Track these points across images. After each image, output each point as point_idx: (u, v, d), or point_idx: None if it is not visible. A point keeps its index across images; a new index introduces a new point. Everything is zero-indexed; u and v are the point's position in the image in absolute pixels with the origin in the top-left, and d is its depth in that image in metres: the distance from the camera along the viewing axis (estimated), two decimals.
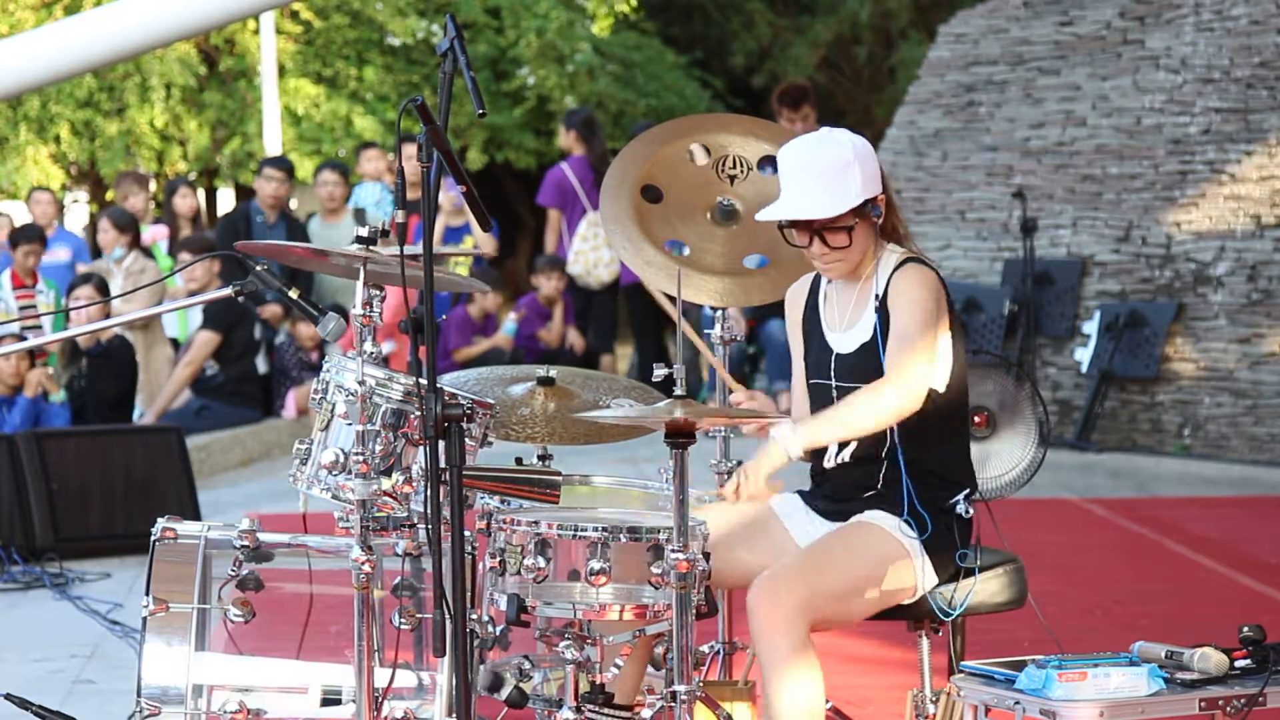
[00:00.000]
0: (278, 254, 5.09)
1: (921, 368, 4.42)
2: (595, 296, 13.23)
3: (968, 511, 4.57)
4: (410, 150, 13.37)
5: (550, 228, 13.42)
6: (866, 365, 4.55)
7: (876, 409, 4.41)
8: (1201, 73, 12.26)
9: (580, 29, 20.11)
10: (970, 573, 4.55)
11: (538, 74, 19.81)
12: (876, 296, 4.54)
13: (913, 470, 4.51)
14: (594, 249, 12.95)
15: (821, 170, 4.50)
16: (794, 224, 4.56)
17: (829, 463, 4.62)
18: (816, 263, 4.60)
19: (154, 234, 13.15)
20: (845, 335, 4.62)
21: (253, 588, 4.74)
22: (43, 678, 6.43)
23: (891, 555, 4.49)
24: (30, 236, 12.36)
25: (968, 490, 4.59)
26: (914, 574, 4.50)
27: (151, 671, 4.72)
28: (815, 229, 4.52)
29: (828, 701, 5.40)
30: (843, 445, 4.58)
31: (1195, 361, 11.81)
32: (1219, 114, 12.10)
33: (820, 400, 4.64)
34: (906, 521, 4.50)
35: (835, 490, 4.64)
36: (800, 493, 4.74)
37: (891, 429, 4.50)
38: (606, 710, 4.39)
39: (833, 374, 4.62)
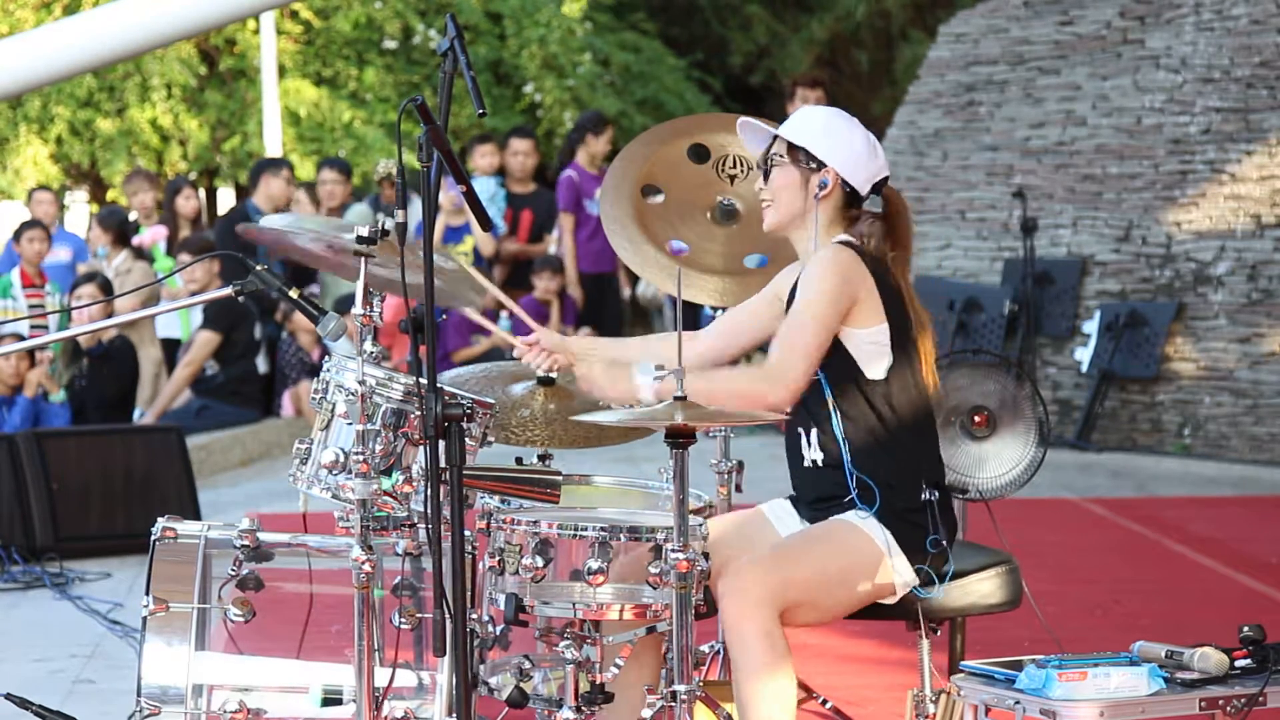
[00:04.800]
0: (279, 244, 5.06)
1: (801, 371, 4.44)
2: (597, 294, 13.34)
3: (933, 494, 4.54)
4: (521, 145, 13.29)
5: (564, 230, 13.53)
6: None
7: (750, 398, 4.44)
8: (1201, 72, 12.27)
9: (581, 38, 20.11)
10: (944, 558, 4.53)
11: (541, 87, 19.82)
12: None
13: (865, 464, 4.50)
14: None
15: (802, 117, 4.67)
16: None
17: (808, 457, 4.61)
18: None
19: (153, 235, 13.16)
20: None
21: (253, 587, 4.74)
22: (43, 678, 6.43)
23: (859, 545, 4.48)
24: (33, 227, 12.41)
25: (933, 482, 4.56)
26: (886, 565, 4.48)
27: (151, 671, 4.72)
28: (768, 162, 4.65)
29: (827, 702, 5.41)
30: (812, 444, 4.58)
31: (1195, 361, 11.81)
32: (1219, 114, 12.10)
33: None
34: (862, 504, 4.50)
35: (815, 498, 4.64)
36: (790, 498, 4.74)
37: (842, 430, 4.52)
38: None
39: None
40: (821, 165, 4.59)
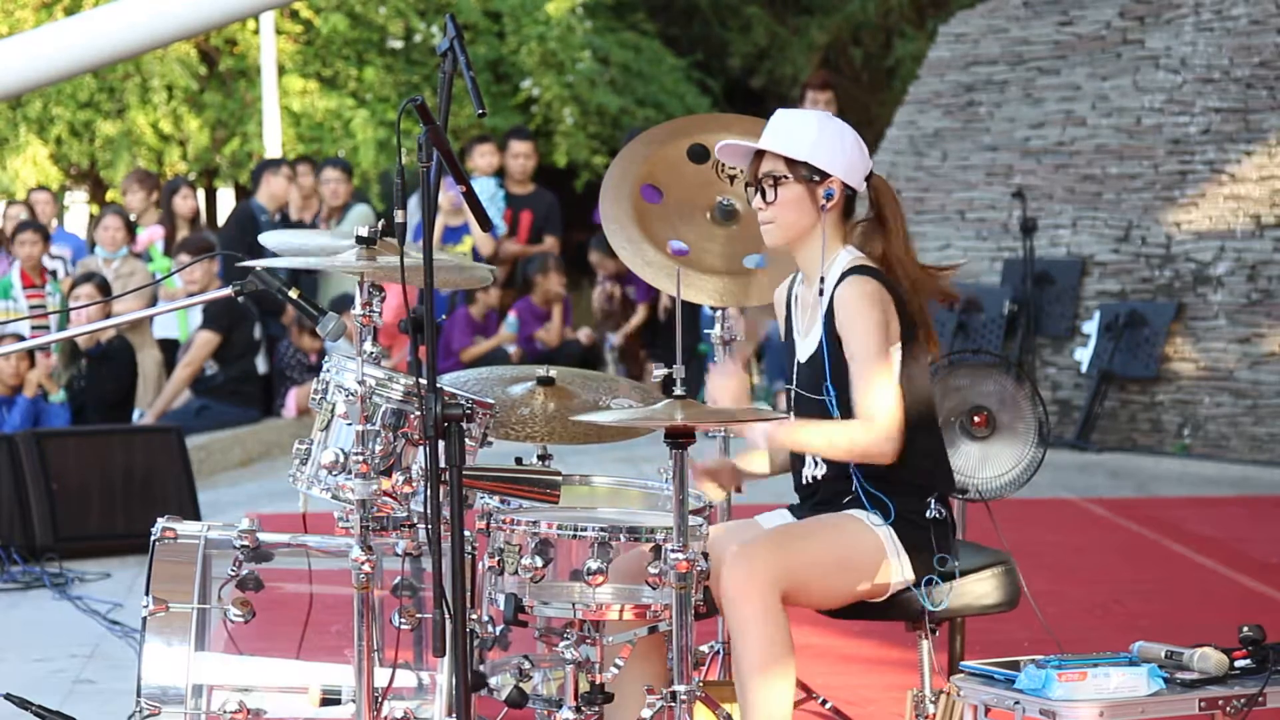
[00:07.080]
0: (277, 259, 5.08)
1: (893, 412, 4.43)
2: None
3: (940, 514, 4.54)
4: (521, 147, 13.29)
5: None
6: (815, 376, 4.55)
7: (851, 448, 4.45)
8: (1201, 73, 12.27)
9: (581, 35, 20.09)
10: (951, 575, 4.54)
11: (540, 83, 19.80)
12: (822, 303, 4.54)
13: (873, 475, 4.50)
14: None
15: (789, 126, 4.54)
16: (750, 175, 4.59)
17: (807, 473, 4.61)
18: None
19: (150, 235, 13.16)
20: (803, 342, 4.63)
21: (253, 588, 4.74)
22: (43, 678, 6.43)
23: (864, 540, 4.48)
24: (29, 228, 12.40)
25: (938, 493, 4.56)
26: (887, 565, 4.48)
27: (151, 671, 4.72)
28: (758, 179, 4.53)
29: (827, 702, 5.41)
30: (816, 460, 4.59)
31: (1195, 361, 11.81)
32: (1219, 114, 12.10)
33: (786, 402, 4.67)
34: (874, 511, 4.51)
35: (819, 502, 4.63)
36: (790, 508, 4.74)
37: None
38: None
39: (794, 379, 4.63)
40: (825, 176, 4.53)
